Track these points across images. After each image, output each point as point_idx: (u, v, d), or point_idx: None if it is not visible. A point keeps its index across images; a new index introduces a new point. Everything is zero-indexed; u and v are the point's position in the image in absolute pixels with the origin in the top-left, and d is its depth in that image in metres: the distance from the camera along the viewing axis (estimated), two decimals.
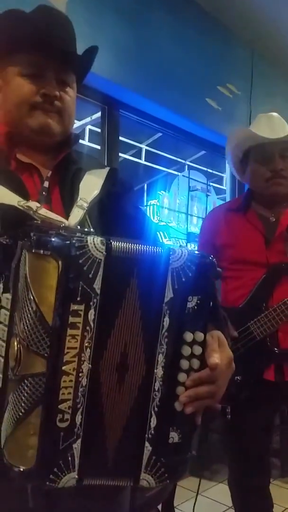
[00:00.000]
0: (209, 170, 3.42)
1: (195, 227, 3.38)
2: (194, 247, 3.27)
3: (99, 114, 2.55)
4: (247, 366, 1.40)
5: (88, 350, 0.61)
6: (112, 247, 0.62)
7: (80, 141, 2.46)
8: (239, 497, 1.51)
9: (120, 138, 2.65)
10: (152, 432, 0.64)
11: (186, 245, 3.20)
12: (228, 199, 3.55)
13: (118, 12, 2.39)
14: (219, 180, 3.59)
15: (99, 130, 2.57)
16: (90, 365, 0.62)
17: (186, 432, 0.67)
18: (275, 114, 1.50)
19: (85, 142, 2.70)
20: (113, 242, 0.62)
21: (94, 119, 2.65)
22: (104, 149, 2.49)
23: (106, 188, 0.88)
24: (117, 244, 0.62)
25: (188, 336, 0.65)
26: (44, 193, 0.83)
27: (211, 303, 0.67)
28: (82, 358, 0.61)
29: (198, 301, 0.65)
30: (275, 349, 1.37)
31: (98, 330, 0.62)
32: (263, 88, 3.45)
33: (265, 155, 1.43)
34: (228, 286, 1.52)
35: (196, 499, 1.03)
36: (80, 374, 0.61)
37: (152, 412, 0.64)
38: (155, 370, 0.64)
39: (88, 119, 2.68)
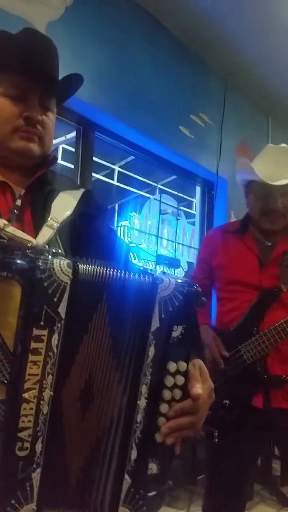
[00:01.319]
0: (179, 194, 3.48)
1: (165, 250, 3.41)
2: (162, 269, 3.29)
3: (73, 133, 2.57)
4: (236, 390, 1.40)
5: (50, 376, 0.60)
6: (79, 270, 0.60)
7: None
8: None
9: (94, 158, 2.68)
10: (132, 464, 0.63)
11: (155, 267, 3.22)
12: (197, 224, 3.62)
13: (98, 38, 2.44)
14: (189, 205, 3.66)
15: (73, 149, 2.58)
16: (52, 393, 0.60)
17: (164, 463, 0.65)
18: (284, 147, 1.47)
19: (58, 160, 2.70)
20: (80, 265, 0.61)
21: (68, 139, 2.67)
22: (77, 168, 2.50)
23: (80, 209, 0.88)
24: (85, 267, 0.61)
25: (172, 366, 0.64)
26: (15, 211, 0.82)
27: (194, 332, 0.67)
28: (44, 385, 0.59)
29: (183, 331, 0.64)
30: (263, 374, 1.36)
31: (62, 356, 0.60)
32: (235, 119, 3.59)
33: (264, 192, 1.42)
34: (223, 308, 1.53)
35: None
36: (41, 402, 0.59)
37: (133, 444, 0.63)
38: (138, 402, 0.63)
39: (62, 138, 2.69)
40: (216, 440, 1.37)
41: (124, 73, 2.60)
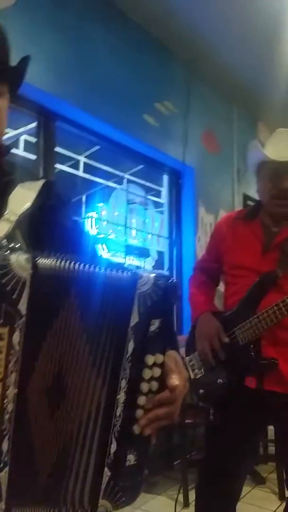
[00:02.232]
0: (147, 184, 3.47)
1: (134, 240, 3.40)
2: (132, 259, 3.29)
3: (34, 124, 2.51)
4: (230, 371, 1.44)
5: (14, 374, 0.59)
6: (38, 265, 0.59)
7: (15, 151, 2.39)
8: (201, 504, 1.51)
9: (57, 149, 2.62)
10: (112, 457, 0.63)
11: (125, 257, 3.21)
12: (166, 213, 3.63)
13: (55, 25, 2.38)
14: (158, 194, 3.66)
15: (34, 140, 2.52)
16: (16, 390, 0.59)
17: (142, 453, 0.66)
18: None
19: (19, 152, 2.63)
20: (40, 260, 0.59)
21: (29, 129, 2.60)
22: (39, 159, 2.45)
23: (40, 201, 0.84)
24: (46, 262, 0.60)
25: (149, 359, 0.65)
26: None
27: (170, 325, 0.68)
28: (7, 383, 0.58)
29: (160, 324, 0.65)
30: (255, 356, 1.39)
31: (25, 353, 0.59)
32: (199, 107, 3.60)
33: (275, 172, 1.43)
34: (227, 292, 1.56)
35: None
36: (5, 400, 0.58)
37: (113, 438, 0.63)
38: (117, 396, 0.63)
39: (22, 129, 2.62)
40: (212, 417, 1.41)
41: (85, 62, 2.56)
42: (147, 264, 3.48)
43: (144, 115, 3.00)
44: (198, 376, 1.52)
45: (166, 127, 3.20)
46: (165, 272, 3.46)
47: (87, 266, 0.62)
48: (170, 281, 0.66)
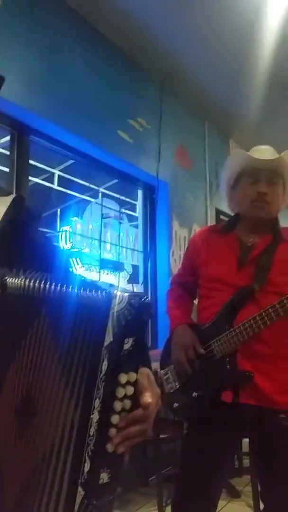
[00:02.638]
0: (122, 198, 3.50)
1: (109, 254, 3.41)
2: (106, 273, 3.29)
3: (8, 137, 2.50)
4: (205, 384, 1.43)
5: None
6: (7, 284, 0.59)
7: None
8: None
9: (31, 162, 2.62)
10: (85, 476, 0.62)
11: (99, 271, 3.20)
12: (140, 227, 3.66)
13: (31, 40, 2.40)
14: (132, 208, 3.69)
15: (7, 152, 2.51)
16: None
17: (115, 471, 0.66)
18: (268, 147, 1.57)
19: None
20: (9, 279, 0.59)
21: (3, 143, 2.59)
22: (13, 173, 2.44)
23: (10, 216, 0.84)
24: (15, 282, 0.60)
25: (123, 378, 0.64)
26: None
27: (143, 342, 0.68)
28: None
29: (133, 342, 0.65)
30: (231, 369, 1.39)
31: None
32: (172, 123, 3.67)
33: (254, 178, 1.48)
34: (202, 305, 1.56)
35: None
36: None
37: (86, 457, 0.62)
38: (91, 416, 0.62)
39: None
40: (185, 431, 1.40)
41: (58, 77, 2.58)
42: (122, 278, 3.49)
43: (118, 131, 3.04)
44: (173, 389, 1.51)
45: (140, 143, 3.25)
46: (138, 290, 3.47)
47: (58, 285, 0.62)
48: (143, 299, 0.67)
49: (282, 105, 3.80)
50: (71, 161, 2.99)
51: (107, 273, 3.31)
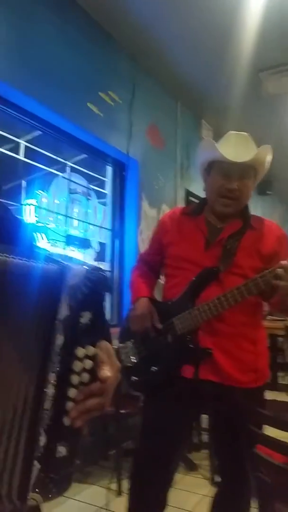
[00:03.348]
0: (90, 173, 3.43)
1: (75, 230, 3.35)
2: (73, 250, 3.24)
3: None
4: (165, 359, 1.44)
5: None
6: None
7: None
8: (133, 492, 1.51)
9: None
10: (41, 450, 0.62)
11: (65, 248, 3.15)
12: (109, 204, 3.62)
13: (2, 6, 2.28)
14: (101, 185, 3.63)
15: None
16: None
17: (73, 445, 0.65)
18: (244, 134, 1.52)
19: None
20: None
21: None
22: None
23: None
24: None
25: (80, 352, 0.64)
26: None
27: (102, 317, 0.68)
28: None
29: (91, 316, 0.65)
30: (191, 345, 1.41)
31: None
32: (144, 100, 3.61)
33: (226, 172, 1.47)
34: (168, 284, 1.57)
35: None
36: None
37: (42, 431, 0.62)
38: (46, 390, 0.62)
39: None
40: (142, 404, 1.42)
41: (29, 45, 2.47)
42: (88, 256, 3.45)
43: (88, 103, 2.96)
44: (132, 363, 1.52)
45: (110, 117, 3.18)
46: (96, 264, 3.44)
47: (11, 257, 0.60)
48: (100, 274, 0.66)
49: (255, 88, 3.81)
50: (39, 132, 2.89)
51: (74, 250, 3.27)
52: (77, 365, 0.64)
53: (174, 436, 1.47)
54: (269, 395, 1.57)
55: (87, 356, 0.65)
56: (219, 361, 1.40)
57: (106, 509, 2.21)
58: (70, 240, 3.19)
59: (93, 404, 0.66)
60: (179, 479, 2.57)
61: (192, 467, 2.76)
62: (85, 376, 0.65)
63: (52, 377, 0.62)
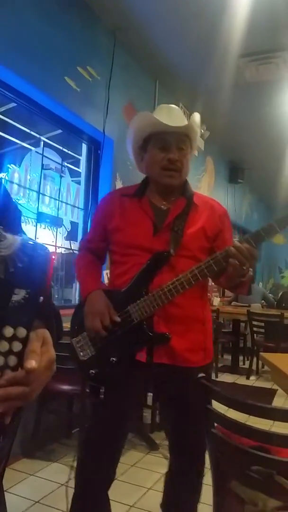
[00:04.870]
0: (65, 150, 3.35)
1: (47, 207, 3.28)
2: (43, 227, 3.18)
3: None
4: (123, 348, 1.42)
5: None
6: None
7: None
8: (81, 470, 1.51)
9: None
10: None
11: (36, 225, 3.09)
12: (82, 183, 3.55)
13: None
14: (75, 163, 3.55)
15: None
16: None
17: None
18: (174, 106, 1.54)
19: None
20: None
21: None
22: None
23: None
24: None
25: (8, 331, 0.58)
26: None
27: (40, 298, 0.62)
28: None
29: (26, 295, 0.59)
30: (149, 332, 1.40)
31: None
32: (123, 78, 3.53)
33: (164, 144, 1.45)
34: (116, 271, 1.52)
35: None
36: None
37: None
38: None
39: None
40: (102, 396, 1.40)
41: (3, 15, 2.34)
42: (59, 234, 3.39)
43: (65, 77, 2.86)
44: (88, 356, 1.48)
45: (87, 93, 3.09)
46: (75, 248, 3.39)
47: None
48: (40, 250, 0.61)
49: (234, 74, 3.79)
50: (13, 104, 2.78)
51: (44, 228, 3.20)
52: (3, 345, 0.59)
53: (122, 415, 1.49)
54: (229, 378, 1.61)
55: (17, 338, 0.59)
56: (173, 344, 1.42)
57: (67, 486, 2.24)
58: (41, 218, 3.12)
59: (16, 392, 0.60)
60: (140, 458, 2.64)
61: (153, 447, 2.83)
62: (12, 359, 0.60)
63: None
